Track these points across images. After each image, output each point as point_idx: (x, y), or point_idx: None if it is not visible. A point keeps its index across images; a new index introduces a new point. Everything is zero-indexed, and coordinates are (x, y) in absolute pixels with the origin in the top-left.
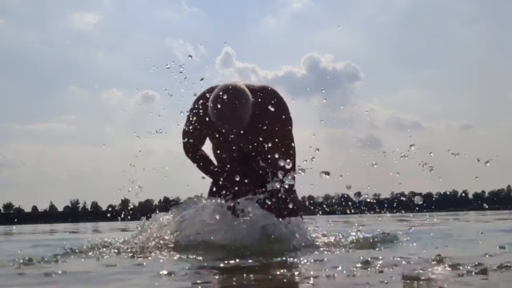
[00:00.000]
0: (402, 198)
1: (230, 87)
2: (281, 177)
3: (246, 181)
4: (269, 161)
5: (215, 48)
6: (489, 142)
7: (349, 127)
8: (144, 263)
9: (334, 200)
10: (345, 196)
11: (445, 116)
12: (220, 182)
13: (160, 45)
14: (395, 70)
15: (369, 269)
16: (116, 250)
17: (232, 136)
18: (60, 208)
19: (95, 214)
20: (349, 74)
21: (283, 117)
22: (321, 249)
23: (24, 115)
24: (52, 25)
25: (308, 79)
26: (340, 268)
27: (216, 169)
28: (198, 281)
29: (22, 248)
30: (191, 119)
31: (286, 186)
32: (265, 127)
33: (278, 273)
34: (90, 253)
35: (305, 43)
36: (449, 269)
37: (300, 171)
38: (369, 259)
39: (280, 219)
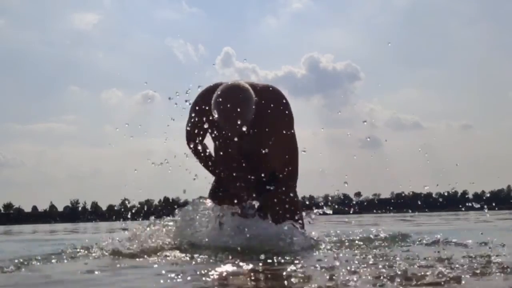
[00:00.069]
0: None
1: (234, 86)
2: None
3: (243, 183)
4: (270, 162)
5: (215, 48)
6: (489, 142)
7: (349, 127)
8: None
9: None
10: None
11: (445, 116)
12: (219, 177)
13: (160, 45)
14: (395, 70)
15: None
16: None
17: (235, 134)
18: (60, 208)
19: (95, 214)
20: (349, 74)
21: (286, 118)
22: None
23: (24, 115)
24: (52, 25)
25: (308, 79)
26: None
27: (216, 166)
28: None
29: (20, 247)
30: (194, 113)
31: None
32: (267, 128)
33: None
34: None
35: (305, 43)
36: None
37: (304, 151)
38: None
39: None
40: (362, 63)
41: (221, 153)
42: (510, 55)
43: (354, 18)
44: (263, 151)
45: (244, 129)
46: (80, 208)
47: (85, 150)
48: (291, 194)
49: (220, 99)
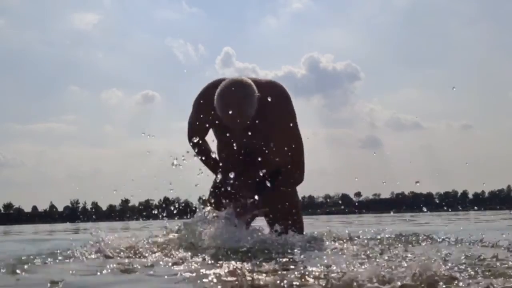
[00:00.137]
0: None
1: (236, 81)
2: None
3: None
4: (273, 158)
5: (215, 48)
6: (489, 142)
7: (349, 127)
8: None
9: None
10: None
11: (445, 116)
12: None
13: (160, 45)
14: (395, 70)
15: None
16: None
17: (237, 130)
18: (60, 208)
19: (96, 214)
20: (349, 74)
21: (289, 113)
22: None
23: (24, 115)
24: (52, 25)
25: (308, 79)
26: None
27: (217, 163)
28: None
29: (20, 248)
30: (197, 109)
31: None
32: (270, 124)
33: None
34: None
35: (305, 43)
36: None
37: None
38: None
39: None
40: (362, 63)
41: (224, 149)
42: (510, 55)
43: (354, 18)
44: (266, 150)
45: (246, 124)
46: (80, 208)
47: (85, 150)
48: (291, 195)
49: (222, 95)
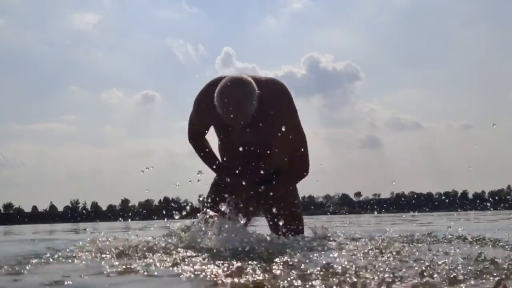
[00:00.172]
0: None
1: (236, 79)
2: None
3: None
4: (274, 156)
5: (215, 48)
6: (489, 142)
7: (350, 127)
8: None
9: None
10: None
11: (445, 116)
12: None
13: (160, 45)
14: (395, 70)
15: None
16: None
17: (237, 128)
18: (60, 208)
19: (96, 214)
20: (349, 74)
21: (291, 110)
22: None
23: (24, 115)
24: (52, 25)
25: (308, 79)
26: None
27: (216, 161)
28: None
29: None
30: (197, 107)
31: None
32: (272, 121)
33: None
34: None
35: (305, 43)
36: None
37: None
38: None
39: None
40: (362, 63)
41: (225, 147)
42: (510, 55)
43: (354, 18)
44: (268, 148)
45: (246, 121)
46: (80, 208)
47: (85, 150)
48: (292, 195)
49: (222, 92)
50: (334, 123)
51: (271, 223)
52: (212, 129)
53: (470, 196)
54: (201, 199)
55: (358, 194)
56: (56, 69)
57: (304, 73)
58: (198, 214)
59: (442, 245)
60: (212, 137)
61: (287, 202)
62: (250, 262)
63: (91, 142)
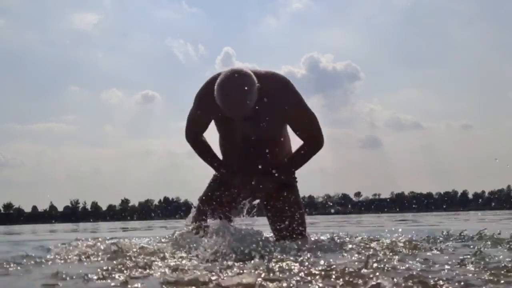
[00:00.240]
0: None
1: (236, 71)
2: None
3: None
4: (276, 149)
5: (215, 48)
6: (489, 142)
7: (350, 127)
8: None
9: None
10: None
11: (445, 116)
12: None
13: (160, 45)
14: (395, 70)
15: None
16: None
17: (238, 120)
18: (60, 208)
19: (96, 214)
20: (349, 74)
21: (296, 97)
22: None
23: (24, 115)
24: (52, 25)
25: (308, 79)
26: None
27: (216, 158)
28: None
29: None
30: (198, 103)
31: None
32: (275, 113)
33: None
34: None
35: (305, 43)
36: None
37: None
38: None
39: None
40: (362, 63)
41: (225, 142)
42: (510, 55)
43: (354, 18)
44: (269, 143)
45: (246, 114)
46: (80, 208)
47: (85, 150)
48: (293, 195)
49: (222, 84)
50: (334, 123)
51: (272, 222)
52: (211, 126)
53: (470, 196)
54: (201, 198)
55: (358, 194)
56: (56, 69)
57: (304, 73)
58: (190, 215)
59: None
60: (212, 136)
61: (289, 203)
62: (249, 262)
63: (91, 142)
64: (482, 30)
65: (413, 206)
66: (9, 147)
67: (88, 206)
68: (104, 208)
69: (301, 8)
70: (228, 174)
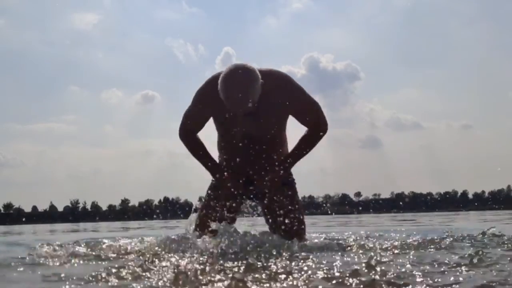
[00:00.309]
0: None
1: (241, 65)
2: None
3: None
4: (277, 146)
5: (215, 48)
6: (489, 142)
7: (350, 127)
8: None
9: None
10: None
11: (445, 116)
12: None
13: (160, 45)
14: (395, 70)
15: None
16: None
17: (240, 115)
18: (60, 208)
19: (96, 214)
20: (349, 74)
21: (298, 90)
22: None
23: (24, 115)
24: (52, 25)
25: (308, 79)
26: None
27: (210, 158)
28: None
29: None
30: (198, 99)
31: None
32: (277, 109)
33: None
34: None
35: (305, 43)
36: None
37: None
38: None
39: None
40: (362, 63)
41: (225, 139)
42: (510, 55)
43: (354, 18)
44: (268, 134)
45: (249, 109)
46: (80, 208)
47: (85, 150)
48: (292, 195)
49: (226, 78)
50: (334, 123)
51: (273, 225)
52: (210, 127)
53: (470, 196)
54: (199, 203)
55: (358, 194)
56: (56, 69)
57: (304, 73)
58: (191, 217)
59: None
60: (209, 137)
61: (290, 200)
62: (248, 263)
63: (91, 142)
64: (482, 30)
65: (413, 206)
66: (9, 147)
67: (88, 206)
68: (104, 208)
69: (301, 8)
70: (222, 178)
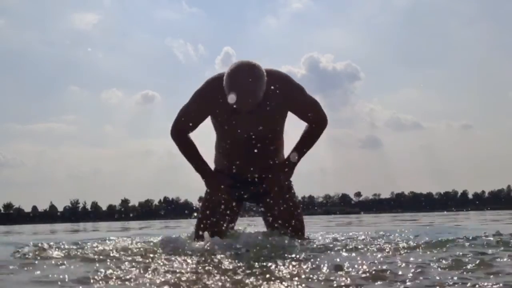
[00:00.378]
0: None
1: (246, 62)
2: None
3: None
4: (276, 146)
5: (215, 48)
6: (489, 142)
7: (350, 127)
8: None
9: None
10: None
11: (445, 116)
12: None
13: (160, 45)
14: (395, 70)
15: None
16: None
17: (243, 113)
18: (60, 208)
19: (96, 214)
20: (349, 74)
21: (298, 89)
22: None
23: (24, 115)
24: (52, 25)
25: (308, 79)
26: None
27: (203, 161)
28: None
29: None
30: (197, 99)
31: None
32: (278, 109)
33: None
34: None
35: (305, 43)
36: None
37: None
38: None
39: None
40: (362, 63)
41: (225, 139)
42: (510, 55)
43: (354, 18)
44: (268, 133)
45: (254, 106)
46: (80, 208)
47: (85, 150)
48: (291, 195)
49: (232, 74)
50: (334, 123)
51: (273, 224)
52: (208, 128)
53: (470, 196)
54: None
55: (358, 194)
56: (56, 69)
57: (304, 73)
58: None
59: None
60: (205, 137)
61: (290, 200)
62: (248, 264)
63: (91, 142)
64: (482, 30)
65: (413, 206)
66: (9, 147)
67: (88, 206)
68: (104, 208)
69: (301, 8)
70: (211, 183)
